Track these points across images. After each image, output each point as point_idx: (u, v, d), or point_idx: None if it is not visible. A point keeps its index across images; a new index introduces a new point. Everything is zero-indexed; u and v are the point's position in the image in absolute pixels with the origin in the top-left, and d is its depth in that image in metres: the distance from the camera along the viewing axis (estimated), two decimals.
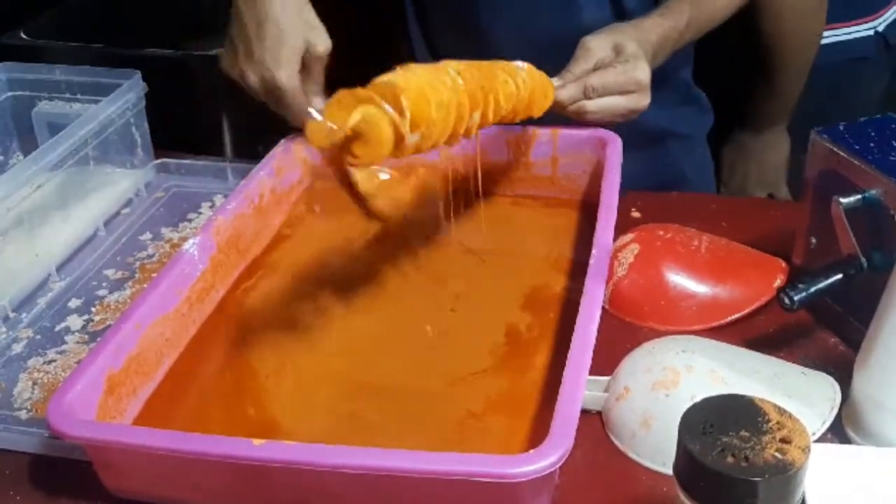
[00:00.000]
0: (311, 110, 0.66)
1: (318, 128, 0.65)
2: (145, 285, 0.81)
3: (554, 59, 0.90)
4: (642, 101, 0.88)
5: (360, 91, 0.67)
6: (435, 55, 1.14)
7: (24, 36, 1.54)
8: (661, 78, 1.02)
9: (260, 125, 0.99)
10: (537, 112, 0.84)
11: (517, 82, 0.79)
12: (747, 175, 1.31)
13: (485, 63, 0.79)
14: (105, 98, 1.01)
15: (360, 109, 0.65)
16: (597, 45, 0.88)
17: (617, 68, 0.87)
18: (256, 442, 0.58)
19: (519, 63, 0.83)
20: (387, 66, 0.71)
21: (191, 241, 0.80)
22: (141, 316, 0.73)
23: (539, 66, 0.89)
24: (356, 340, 0.79)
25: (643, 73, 0.87)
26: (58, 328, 0.87)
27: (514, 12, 1.03)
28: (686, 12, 0.95)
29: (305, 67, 0.88)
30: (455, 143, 0.75)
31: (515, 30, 1.03)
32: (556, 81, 0.87)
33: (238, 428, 0.69)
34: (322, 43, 0.88)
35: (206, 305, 0.81)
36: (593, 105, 0.87)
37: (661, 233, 0.86)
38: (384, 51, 1.27)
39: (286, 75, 0.85)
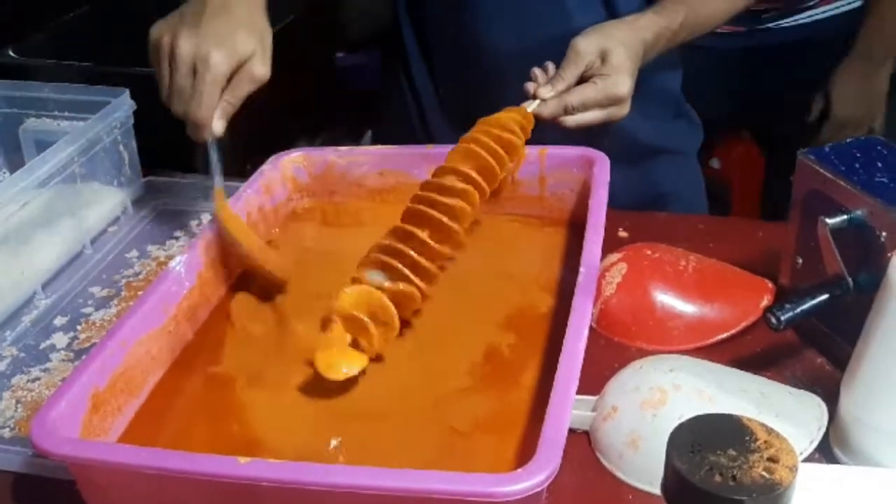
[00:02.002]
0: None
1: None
2: (131, 303, 0.80)
3: (544, 60, 0.92)
4: (620, 112, 0.90)
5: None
6: (429, 61, 1.14)
7: (12, 54, 1.53)
8: (651, 93, 1.03)
9: (248, 144, 0.99)
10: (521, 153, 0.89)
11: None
12: (855, 102, 1.39)
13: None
14: (93, 115, 1.01)
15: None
16: (586, 49, 0.89)
17: (597, 84, 0.88)
18: (242, 460, 0.58)
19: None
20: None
21: (178, 258, 0.80)
22: (127, 333, 0.72)
23: (528, 69, 0.91)
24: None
25: (623, 88, 0.88)
26: (42, 346, 0.86)
27: (506, 18, 1.04)
28: (681, 12, 0.96)
29: (235, 80, 0.81)
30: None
31: (508, 36, 1.04)
32: (545, 90, 0.89)
33: (224, 446, 0.69)
34: (261, 67, 0.82)
35: (193, 323, 0.81)
36: (572, 121, 0.89)
37: (649, 252, 0.86)
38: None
39: (221, 58, 0.79)
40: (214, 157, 0.85)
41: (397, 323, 0.75)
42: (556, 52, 0.91)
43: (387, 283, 0.76)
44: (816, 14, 1.44)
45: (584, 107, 0.89)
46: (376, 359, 0.77)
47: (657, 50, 0.94)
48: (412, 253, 0.77)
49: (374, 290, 0.75)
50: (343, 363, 0.73)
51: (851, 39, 1.39)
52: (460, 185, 0.82)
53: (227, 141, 0.88)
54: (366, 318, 0.73)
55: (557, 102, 0.88)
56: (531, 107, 0.89)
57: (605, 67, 0.89)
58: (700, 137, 1.21)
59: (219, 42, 0.79)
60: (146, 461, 0.59)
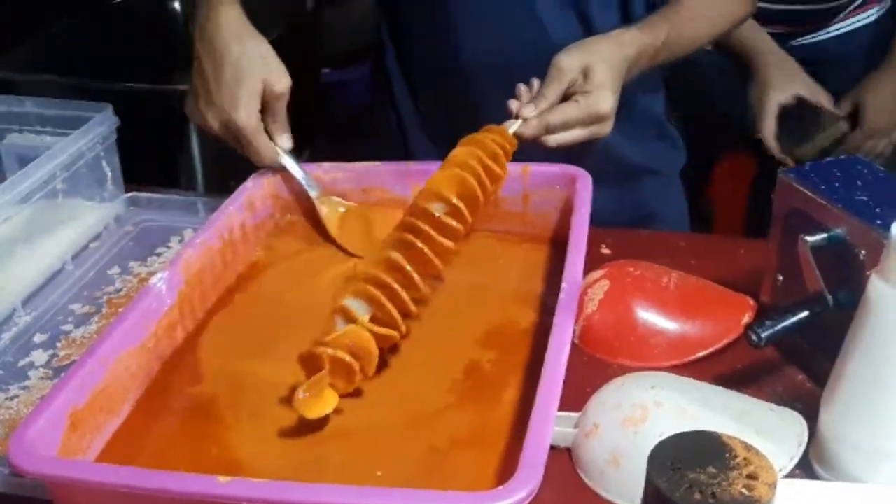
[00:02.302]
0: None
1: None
2: (112, 320, 0.80)
3: (522, 76, 0.92)
4: (602, 130, 0.90)
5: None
6: (409, 77, 1.15)
7: None
8: (634, 114, 1.03)
9: (231, 160, 0.99)
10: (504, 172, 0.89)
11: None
12: (890, 111, 1.43)
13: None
14: (76, 131, 1.01)
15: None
16: (568, 65, 0.89)
17: (580, 103, 0.88)
18: (222, 479, 0.57)
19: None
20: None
21: (158, 275, 0.80)
22: (107, 351, 0.72)
23: (507, 85, 0.92)
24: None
25: (606, 105, 0.88)
26: (21, 363, 0.85)
27: (483, 33, 1.04)
28: (664, 31, 0.96)
29: (267, 107, 0.90)
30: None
31: (485, 51, 1.05)
32: (528, 110, 0.88)
33: (204, 465, 0.68)
34: (280, 82, 0.89)
35: (173, 340, 0.80)
36: (553, 140, 0.89)
37: (631, 269, 0.87)
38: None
39: (245, 115, 0.87)
40: (299, 172, 0.95)
41: (375, 365, 0.74)
42: (535, 67, 0.91)
43: (368, 318, 0.75)
44: (841, 28, 1.48)
45: (567, 126, 0.88)
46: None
47: (640, 67, 0.94)
48: (396, 286, 0.76)
49: (362, 331, 0.74)
50: (324, 406, 0.71)
51: (880, 50, 1.44)
52: (448, 220, 0.81)
53: (212, 156, 0.89)
54: (353, 362, 0.72)
55: (539, 122, 0.88)
56: (513, 127, 0.89)
57: (587, 84, 0.88)
58: (683, 158, 1.22)
59: (233, 101, 0.88)
60: (125, 480, 0.58)
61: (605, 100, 0.88)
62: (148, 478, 0.59)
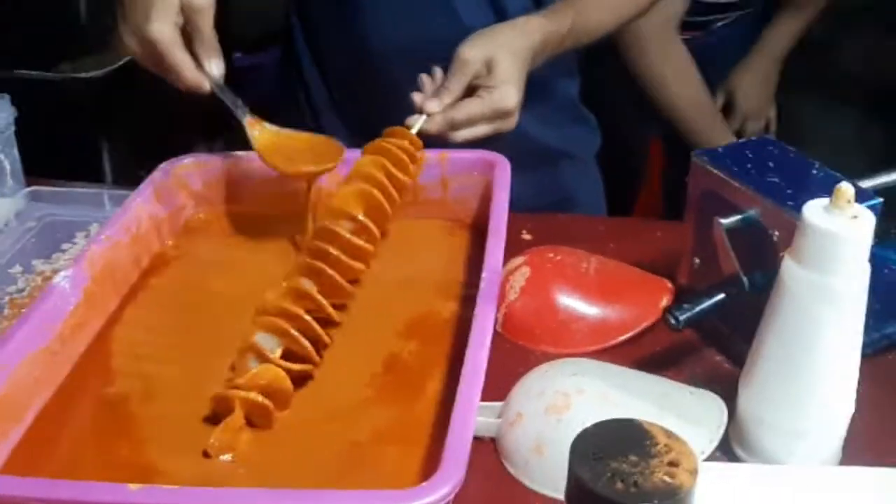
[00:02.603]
0: None
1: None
2: (14, 322, 0.76)
3: (434, 60, 0.91)
4: (507, 125, 0.90)
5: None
6: (320, 62, 1.13)
7: None
8: (550, 98, 1.03)
9: (141, 150, 0.96)
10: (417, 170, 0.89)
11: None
12: (757, 95, 1.57)
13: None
14: None
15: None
16: (472, 57, 0.88)
17: (483, 98, 0.87)
18: (133, 487, 0.55)
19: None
20: None
21: (62, 273, 0.76)
22: (9, 355, 0.68)
23: (418, 69, 0.91)
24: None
25: (509, 100, 0.88)
26: None
27: (393, 17, 1.03)
28: (569, 17, 0.96)
29: (191, 24, 0.82)
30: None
31: (396, 35, 1.03)
32: (432, 105, 0.88)
33: (115, 473, 0.65)
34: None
35: (80, 342, 0.77)
36: (458, 137, 0.89)
37: (552, 255, 0.86)
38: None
39: (157, 27, 0.80)
40: (229, 97, 0.87)
41: (289, 401, 0.72)
42: (446, 51, 0.90)
43: (279, 353, 0.72)
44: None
45: (471, 122, 0.88)
46: None
47: (545, 54, 0.94)
48: (307, 317, 0.74)
49: (274, 369, 0.71)
50: (238, 443, 0.69)
51: (748, 42, 1.56)
52: (357, 241, 0.80)
53: (121, 146, 0.85)
54: (267, 403, 0.70)
55: (443, 118, 0.87)
56: (416, 125, 0.88)
57: (490, 78, 0.88)
58: (598, 142, 1.23)
59: (145, 15, 0.80)
60: (31, 492, 0.56)
61: (509, 95, 0.87)
62: (56, 488, 0.56)
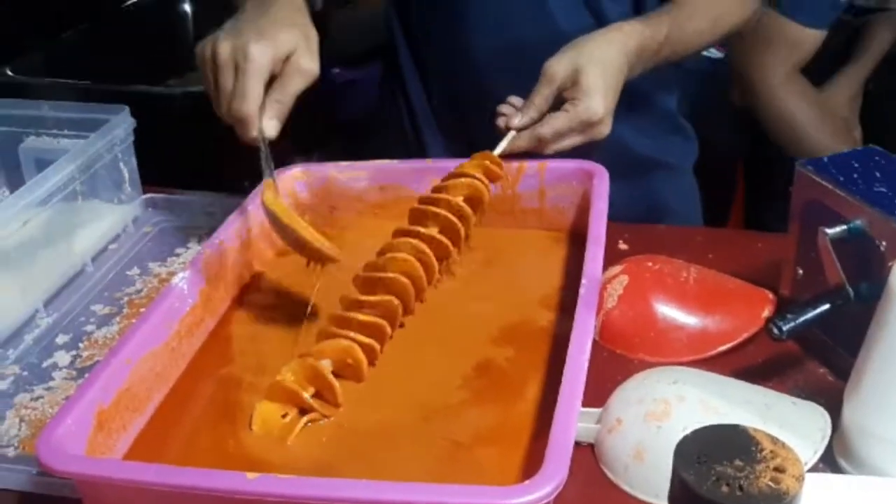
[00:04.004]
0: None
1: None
2: (133, 320, 0.81)
3: (533, 66, 0.90)
4: (600, 132, 0.89)
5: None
6: (422, 72, 1.15)
7: (10, 73, 1.54)
8: (646, 107, 1.03)
9: (247, 163, 0.99)
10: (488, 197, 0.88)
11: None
12: (850, 116, 1.54)
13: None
14: (93, 133, 1.01)
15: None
16: (556, 71, 0.88)
17: (569, 112, 0.87)
18: (250, 475, 0.58)
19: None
20: None
21: (180, 274, 0.80)
22: (131, 350, 0.72)
23: (518, 75, 0.91)
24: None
25: (596, 111, 0.87)
26: (45, 364, 0.86)
27: (492, 24, 1.04)
28: (666, 24, 0.95)
29: (285, 78, 0.81)
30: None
31: (494, 43, 1.05)
32: (516, 121, 0.89)
33: (229, 463, 0.69)
34: (309, 63, 0.81)
35: (196, 339, 0.81)
36: (549, 150, 0.89)
37: (650, 264, 0.87)
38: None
39: (259, 50, 0.78)
40: (264, 155, 0.83)
41: (339, 390, 0.74)
42: (544, 57, 0.90)
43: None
44: None
45: (558, 136, 0.88)
46: (379, 370, 0.77)
47: (643, 61, 0.93)
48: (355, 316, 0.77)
49: (312, 360, 0.74)
50: (276, 433, 0.72)
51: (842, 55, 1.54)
52: (418, 241, 0.82)
53: (226, 157, 0.88)
54: (300, 390, 0.73)
55: (530, 135, 0.88)
56: (503, 144, 0.89)
57: (575, 90, 0.87)
58: (695, 152, 1.22)
59: (258, 36, 0.78)
60: (154, 478, 0.59)
61: (595, 105, 0.87)
62: (177, 475, 0.59)
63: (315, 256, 0.83)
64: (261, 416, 0.72)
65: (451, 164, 0.88)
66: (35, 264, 0.95)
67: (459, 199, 0.85)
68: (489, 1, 1.04)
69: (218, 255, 0.85)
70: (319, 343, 0.77)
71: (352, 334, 0.76)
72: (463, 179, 0.86)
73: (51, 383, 0.83)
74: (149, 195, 1.10)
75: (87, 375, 0.71)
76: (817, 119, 1.42)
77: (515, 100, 0.91)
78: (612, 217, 0.87)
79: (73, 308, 0.94)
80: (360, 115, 1.90)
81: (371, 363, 0.77)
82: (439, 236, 0.83)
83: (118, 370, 0.70)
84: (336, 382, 0.73)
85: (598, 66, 0.88)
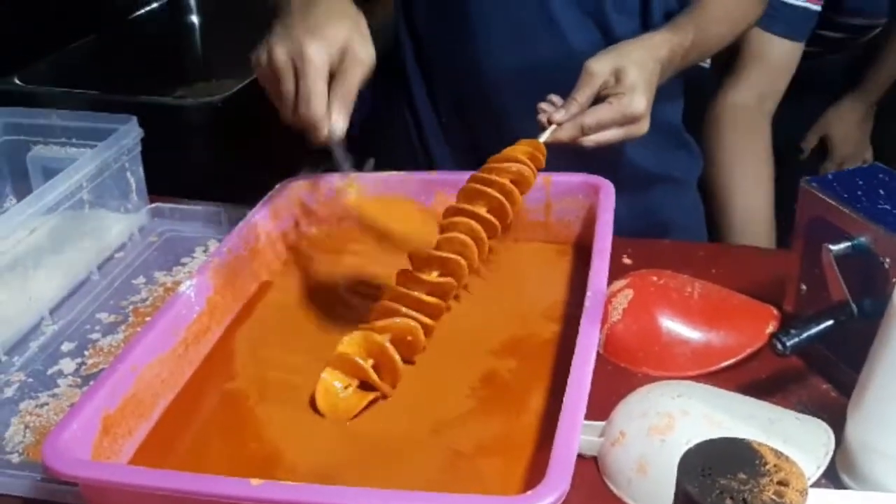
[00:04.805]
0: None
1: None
2: (139, 329, 0.81)
3: (544, 83, 0.91)
4: (639, 129, 0.90)
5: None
6: (430, 86, 1.15)
7: (18, 82, 1.55)
8: (653, 121, 1.04)
9: (252, 173, 1.00)
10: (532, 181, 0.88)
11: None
12: (856, 140, 1.54)
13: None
14: (100, 142, 1.02)
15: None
16: (599, 69, 0.88)
17: (612, 104, 0.88)
18: (254, 482, 0.58)
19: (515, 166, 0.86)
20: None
21: (187, 282, 0.81)
22: (137, 357, 0.73)
23: (528, 91, 0.91)
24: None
25: (639, 105, 0.88)
26: (50, 371, 0.86)
27: (502, 40, 1.05)
28: (691, 32, 0.96)
29: (343, 71, 0.78)
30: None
31: (505, 58, 1.05)
32: (559, 115, 0.88)
33: (233, 470, 0.69)
34: (365, 51, 0.79)
35: (202, 346, 0.81)
36: (590, 142, 0.88)
37: (655, 279, 0.87)
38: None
39: (316, 49, 0.76)
40: (340, 154, 0.82)
41: (400, 367, 0.75)
42: (555, 74, 0.91)
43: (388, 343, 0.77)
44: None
45: (601, 126, 0.88)
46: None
47: (673, 68, 0.94)
48: (417, 294, 0.78)
49: (375, 335, 0.75)
50: (342, 407, 0.73)
51: (844, 85, 1.54)
52: (473, 222, 0.82)
53: (232, 168, 0.88)
54: (364, 363, 0.74)
55: (573, 125, 0.88)
56: (545, 135, 0.89)
57: (619, 87, 0.88)
58: (700, 166, 1.22)
59: (312, 35, 0.77)
60: (159, 483, 0.59)
61: (638, 101, 0.88)
62: (182, 480, 0.60)
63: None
64: (323, 387, 0.73)
65: (459, 177, 0.89)
66: (41, 272, 0.96)
67: (509, 182, 0.85)
68: (498, 19, 1.05)
69: (226, 263, 0.86)
70: (383, 320, 0.77)
71: (413, 313, 0.77)
72: (512, 165, 0.85)
73: (56, 390, 0.83)
74: (155, 205, 1.11)
75: (92, 382, 0.71)
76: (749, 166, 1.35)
77: (555, 98, 0.91)
78: (616, 231, 0.87)
79: (78, 316, 0.94)
80: (365, 126, 1.90)
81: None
82: (490, 216, 0.83)
83: (124, 376, 0.71)
84: (399, 361, 0.74)
85: (638, 67, 0.89)
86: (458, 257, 0.80)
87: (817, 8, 1.31)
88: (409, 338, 0.77)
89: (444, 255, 0.80)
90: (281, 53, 0.78)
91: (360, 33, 0.79)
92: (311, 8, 0.79)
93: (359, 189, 0.88)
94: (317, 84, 0.76)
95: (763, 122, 1.34)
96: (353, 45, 0.78)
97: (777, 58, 1.33)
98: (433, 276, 0.80)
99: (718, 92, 1.36)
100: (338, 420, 0.74)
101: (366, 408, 0.75)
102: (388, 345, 0.76)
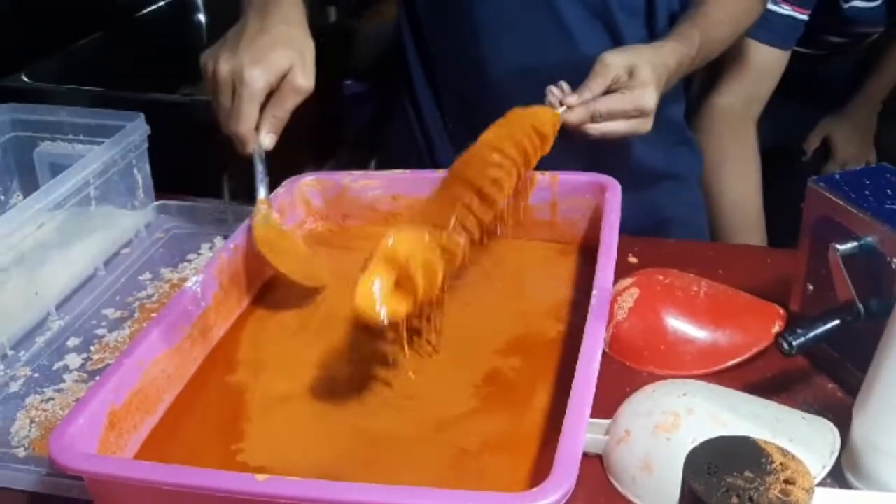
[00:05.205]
0: None
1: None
2: (144, 325, 0.81)
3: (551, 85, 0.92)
4: (644, 126, 0.91)
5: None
6: (434, 88, 1.15)
7: (25, 79, 1.55)
8: (657, 119, 1.04)
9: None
10: (548, 148, 0.88)
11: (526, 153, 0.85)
12: (858, 143, 1.55)
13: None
14: (107, 139, 1.02)
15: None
16: (614, 63, 0.90)
17: (625, 95, 0.89)
18: (259, 477, 0.58)
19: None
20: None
21: (194, 278, 0.81)
22: (143, 352, 0.73)
23: (535, 95, 0.91)
24: (345, 379, 0.79)
25: (650, 101, 0.89)
26: (56, 367, 0.86)
27: (510, 44, 1.05)
28: (697, 38, 0.97)
29: (280, 97, 0.85)
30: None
31: (512, 62, 1.06)
32: (572, 98, 0.89)
33: (237, 466, 0.69)
34: (305, 78, 0.85)
35: (208, 342, 0.82)
36: (596, 129, 0.89)
37: (661, 278, 0.87)
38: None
39: (255, 75, 0.82)
40: (260, 169, 0.89)
41: (440, 276, 0.74)
42: (561, 75, 0.92)
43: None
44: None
45: (611, 115, 0.89)
46: (385, 383, 0.78)
47: (678, 76, 0.95)
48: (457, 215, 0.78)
49: (422, 238, 0.74)
50: (379, 302, 0.71)
51: (848, 88, 1.56)
52: (501, 158, 0.83)
53: (239, 166, 0.89)
54: (409, 263, 0.72)
55: (584, 109, 0.88)
56: (558, 110, 0.90)
57: (632, 81, 0.89)
58: (701, 164, 1.23)
59: (254, 60, 0.83)
60: (165, 477, 0.59)
61: (649, 96, 0.89)
62: (188, 475, 0.60)
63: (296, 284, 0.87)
64: (362, 294, 0.70)
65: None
66: (48, 267, 0.96)
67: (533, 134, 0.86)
68: (504, 21, 1.05)
69: (232, 259, 0.86)
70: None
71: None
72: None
73: (61, 385, 0.84)
74: (161, 201, 1.11)
75: (98, 377, 0.71)
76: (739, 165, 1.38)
77: (564, 84, 0.92)
78: (621, 228, 0.87)
79: (84, 311, 0.94)
80: (371, 127, 1.91)
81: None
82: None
83: (130, 371, 0.71)
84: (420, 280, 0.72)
85: (651, 66, 0.90)
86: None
87: (804, 17, 1.32)
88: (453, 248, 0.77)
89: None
90: (223, 69, 0.84)
91: (303, 62, 0.85)
92: (262, 28, 0.86)
93: (266, 215, 0.89)
94: (248, 106, 0.84)
95: (749, 124, 1.37)
96: (293, 73, 0.84)
97: (763, 64, 1.34)
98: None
99: (705, 95, 1.37)
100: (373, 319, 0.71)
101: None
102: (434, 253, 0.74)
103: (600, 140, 0.90)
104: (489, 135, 0.86)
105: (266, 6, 0.88)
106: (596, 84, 0.90)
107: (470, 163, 0.84)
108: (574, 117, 0.89)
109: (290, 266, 0.86)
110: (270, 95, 0.85)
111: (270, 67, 0.83)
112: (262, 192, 0.89)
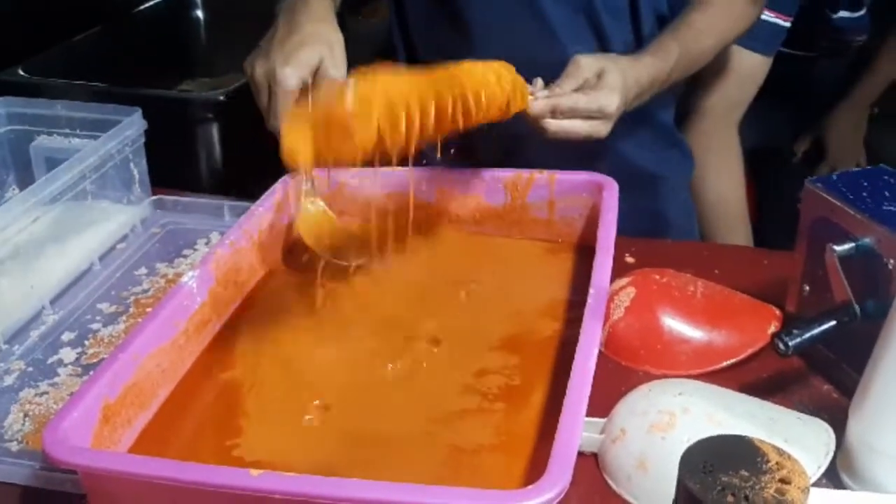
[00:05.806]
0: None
1: None
2: (139, 319, 0.81)
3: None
4: (602, 129, 0.90)
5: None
6: None
7: (22, 73, 1.55)
8: (647, 123, 1.05)
9: (255, 167, 1.00)
10: (513, 111, 0.88)
11: (500, 83, 0.86)
12: (851, 145, 1.57)
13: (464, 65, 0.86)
14: (104, 133, 1.02)
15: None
16: (586, 65, 0.90)
17: (589, 95, 0.89)
18: (254, 472, 0.58)
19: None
20: None
21: (190, 273, 0.80)
22: (138, 346, 0.72)
23: None
24: (341, 376, 0.79)
25: (612, 104, 0.89)
26: (50, 360, 0.86)
27: (498, 47, 1.04)
28: (675, 52, 0.97)
29: (314, 87, 0.88)
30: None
31: (500, 59, 1.05)
32: (542, 93, 0.89)
33: (231, 461, 0.69)
34: (338, 69, 0.89)
35: (203, 337, 0.81)
36: (554, 125, 0.89)
37: (658, 277, 0.87)
38: None
39: (288, 72, 0.87)
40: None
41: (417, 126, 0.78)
42: (549, 79, 0.92)
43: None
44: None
45: (573, 112, 0.89)
46: (377, 380, 0.78)
47: (652, 91, 0.96)
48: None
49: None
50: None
51: (838, 90, 1.58)
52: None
53: (236, 161, 0.89)
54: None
55: (546, 103, 0.89)
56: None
57: (599, 84, 0.90)
58: (691, 166, 1.23)
59: (285, 60, 0.87)
60: (159, 472, 0.59)
61: (613, 99, 0.89)
62: (182, 470, 0.59)
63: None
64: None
65: (457, 174, 0.88)
66: (43, 261, 0.96)
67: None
68: (493, 23, 1.05)
69: (228, 255, 0.86)
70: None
71: None
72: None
73: (55, 379, 0.83)
74: (158, 196, 1.11)
75: (92, 371, 0.71)
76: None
77: (539, 81, 0.92)
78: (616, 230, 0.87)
79: (79, 306, 0.94)
80: None
81: None
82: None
83: (125, 365, 0.71)
84: None
85: (621, 74, 0.90)
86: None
87: (786, 24, 1.33)
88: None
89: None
90: (259, 72, 0.89)
91: (332, 55, 0.89)
92: (291, 34, 0.90)
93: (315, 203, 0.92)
94: (283, 104, 0.87)
95: (731, 126, 1.39)
96: (324, 66, 0.88)
97: (745, 69, 1.35)
98: None
99: (688, 97, 1.38)
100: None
101: None
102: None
103: (553, 140, 0.90)
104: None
105: (294, 7, 0.92)
106: (566, 83, 0.90)
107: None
108: (536, 107, 0.89)
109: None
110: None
111: (301, 65, 0.87)
112: (306, 184, 0.92)
